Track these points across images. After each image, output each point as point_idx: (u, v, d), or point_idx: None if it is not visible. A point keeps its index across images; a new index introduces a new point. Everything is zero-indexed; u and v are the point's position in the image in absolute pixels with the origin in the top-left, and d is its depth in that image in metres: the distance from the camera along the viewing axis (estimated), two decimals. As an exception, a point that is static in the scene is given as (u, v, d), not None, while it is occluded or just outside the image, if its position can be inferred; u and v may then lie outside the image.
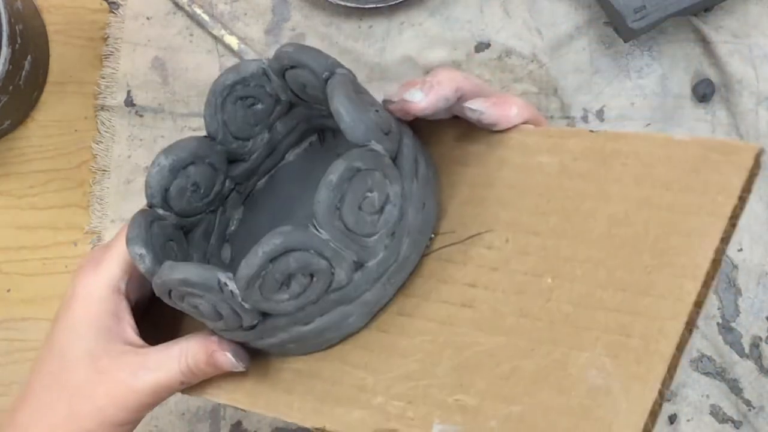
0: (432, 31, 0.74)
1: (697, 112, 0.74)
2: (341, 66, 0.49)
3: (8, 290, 0.74)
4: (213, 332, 0.51)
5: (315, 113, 0.54)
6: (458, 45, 0.74)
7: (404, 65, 0.74)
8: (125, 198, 0.74)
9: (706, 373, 0.73)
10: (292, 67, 0.50)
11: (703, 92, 0.73)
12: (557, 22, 0.74)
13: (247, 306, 0.46)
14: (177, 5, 0.75)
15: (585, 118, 0.74)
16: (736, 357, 0.72)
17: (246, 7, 0.75)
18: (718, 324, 0.73)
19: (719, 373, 0.73)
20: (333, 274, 0.46)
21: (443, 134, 0.54)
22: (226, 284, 0.46)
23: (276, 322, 0.48)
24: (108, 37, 0.75)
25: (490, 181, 0.51)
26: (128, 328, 0.52)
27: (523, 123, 0.49)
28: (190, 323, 0.53)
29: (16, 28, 0.67)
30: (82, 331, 0.52)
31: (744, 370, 0.73)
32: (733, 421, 0.73)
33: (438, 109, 0.48)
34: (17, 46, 0.67)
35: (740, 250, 0.73)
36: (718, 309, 0.73)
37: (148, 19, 0.75)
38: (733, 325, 0.73)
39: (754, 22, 0.73)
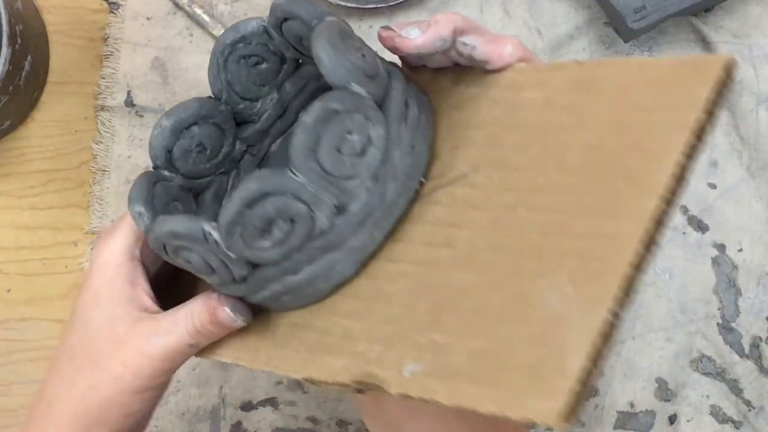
0: (432, 32, 0.74)
1: (697, 112, 0.74)
2: (331, 14, 0.48)
3: (8, 290, 0.74)
4: (215, 291, 0.50)
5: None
6: (458, 45, 0.74)
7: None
8: (125, 198, 0.73)
9: (706, 374, 0.73)
10: (286, 20, 0.49)
11: (703, 92, 0.73)
12: (557, 22, 0.74)
13: (232, 255, 0.45)
14: (177, 5, 0.75)
15: (585, 119, 0.74)
16: (736, 357, 0.72)
17: (246, 8, 0.75)
18: (718, 324, 0.73)
19: (719, 374, 0.73)
20: (314, 219, 0.45)
21: (442, 81, 0.53)
22: (210, 233, 0.45)
23: (265, 273, 0.47)
24: (108, 37, 0.75)
25: (482, 122, 0.50)
26: (143, 294, 0.52)
27: (520, 61, 0.49)
28: (205, 289, 0.52)
29: (16, 28, 0.67)
30: (100, 300, 0.52)
31: (744, 370, 0.73)
32: (733, 422, 0.73)
33: (435, 48, 0.47)
34: (17, 46, 0.67)
35: (740, 250, 0.73)
36: (718, 309, 0.73)
37: (148, 19, 0.75)
38: (733, 325, 0.73)
39: (754, 22, 0.73)
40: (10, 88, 0.68)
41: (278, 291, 0.48)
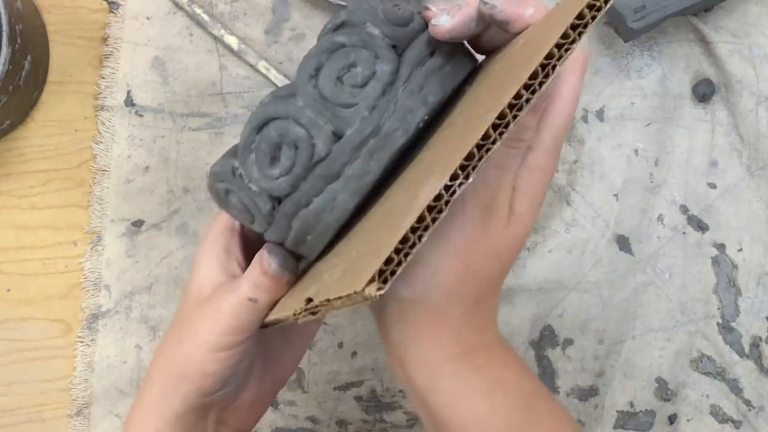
0: (432, 31, 0.74)
1: (697, 111, 0.74)
2: None
3: (8, 290, 0.74)
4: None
5: None
6: (458, 45, 0.74)
7: (404, 65, 0.74)
8: (125, 198, 0.74)
9: (706, 373, 0.73)
10: None
11: (703, 92, 0.73)
12: (557, 22, 0.74)
13: (253, 187, 0.48)
14: (177, 5, 0.75)
15: (585, 118, 0.74)
16: (736, 357, 0.72)
17: (246, 7, 0.75)
18: (718, 324, 0.73)
19: (719, 373, 0.73)
20: (313, 145, 0.47)
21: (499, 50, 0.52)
22: (237, 168, 0.48)
23: (285, 208, 0.49)
24: (108, 37, 0.75)
25: (483, 76, 0.51)
26: (234, 262, 0.55)
27: None
28: None
29: (16, 28, 0.67)
30: (198, 268, 0.55)
31: (744, 370, 0.73)
32: (733, 421, 0.73)
33: (468, 30, 0.48)
34: (17, 46, 0.67)
35: (740, 250, 0.73)
36: (718, 309, 0.73)
37: (148, 18, 0.75)
38: (733, 325, 0.73)
39: (754, 22, 0.73)
40: (10, 87, 0.68)
41: (300, 229, 0.50)
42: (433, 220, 0.37)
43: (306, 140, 0.47)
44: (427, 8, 0.50)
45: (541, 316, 0.75)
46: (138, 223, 0.74)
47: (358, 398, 0.75)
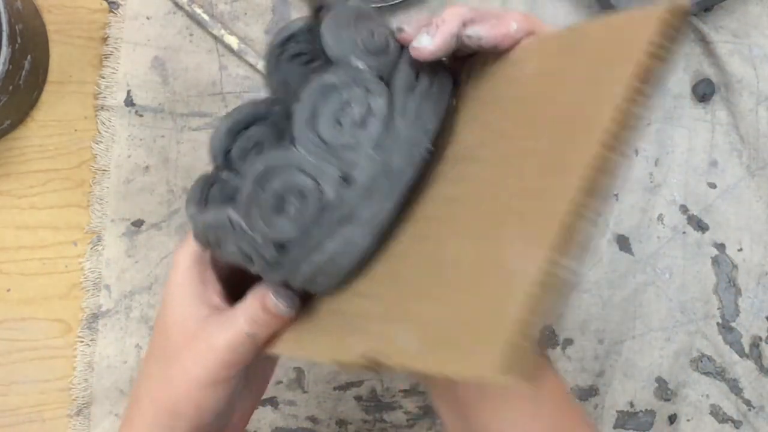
0: (432, 31, 0.74)
1: (696, 111, 0.74)
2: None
3: (8, 290, 0.74)
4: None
5: None
6: (458, 45, 0.74)
7: (404, 65, 0.74)
8: (125, 198, 0.74)
9: (706, 373, 0.73)
10: (321, 8, 0.50)
11: (703, 92, 0.73)
12: (557, 22, 0.74)
13: (258, 238, 0.47)
14: (177, 5, 0.75)
15: (585, 118, 0.74)
16: (736, 357, 0.72)
17: (246, 7, 0.75)
18: (718, 324, 0.73)
19: (719, 373, 0.73)
20: (321, 191, 0.46)
21: (475, 60, 0.53)
22: (234, 219, 0.47)
23: (293, 254, 0.48)
24: (108, 36, 0.75)
25: (492, 98, 0.50)
26: (213, 293, 0.54)
27: (529, 35, 0.48)
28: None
29: (16, 28, 0.67)
30: (174, 301, 0.54)
31: (744, 369, 0.73)
32: (733, 421, 0.73)
33: (450, 47, 0.48)
34: (17, 46, 0.67)
35: (740, 250, 0.73)
36: (718, 309, 0.73)
37: (147, 18, 0.75)
38: (733, 324, 0.73)
39: (754, 22, 0.73)
40: (10, 87, 0.68)
41: (309, 272, 0.49)
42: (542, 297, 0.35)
43: (313, 188, 0.46)
44: (401, 30, 0.49)
45: (541, 316, 0.75)
46: (138, 223, 0.74)
47: (358, 398, 0.75)
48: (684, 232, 0.74)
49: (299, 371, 0.75)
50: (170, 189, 0.74)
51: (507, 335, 0.35)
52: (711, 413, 0.73)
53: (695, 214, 0.74)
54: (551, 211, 0.38)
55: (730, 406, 0.73)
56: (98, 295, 0.73)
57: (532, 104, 0.46)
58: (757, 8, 0.73)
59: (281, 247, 0.48)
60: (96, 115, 0.75)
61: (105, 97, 0.74)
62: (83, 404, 0.73)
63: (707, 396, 0.73)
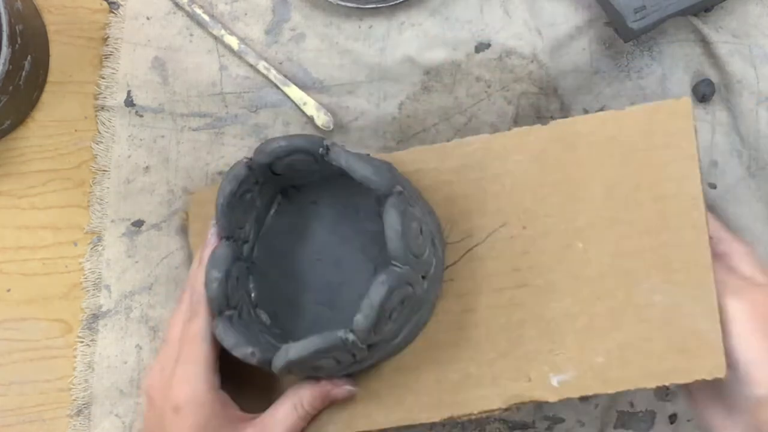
0: (432, 32, 0.74)
1: (697, 112, 0.74)
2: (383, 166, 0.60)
3: (8, 290, 0.74)
4: (315, 378, 0.62)
5: (284, 180, 0.65)
6: (458, 45, 0.74)
7: (404, 65, 0.74)
8: (125, 198, 0.73)
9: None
10: (287, 155, 0.61)
11: (703, 92, 0.73)
12: (557, 22, 0.74)
13: (362, 346, 0.57)
14: (177, 5, 0.75)
15: (585, 118, 0.74)
16: (736, 357, 0.72)
17: (246, 7, 0.75)
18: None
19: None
20: (414, 293, 0.58)
21: (424, 165, 0.67)
22: (347, 339, 0.56)
23: (379, 347, 0.59)
24: (108, 37, 0.75)
25: (476, 191, 0.64)
26: (217, 374, 0.61)
27: None
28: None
29: (16, 28, 0.67)
30: (187, 380, 0.60)
31: (744, 370, 0.73)
32: (733, 421, 0.73)
33: None
34: (17, 46, 0.67)
35: (740, 250, 0.73)
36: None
37: (148, 18, 0.75)
38: (733, 325, 0.73)
39: (754, 22, 0.73)
40: (10, 88, 0.68)
41: (381, 356, 0.61)
42: None
43: (411, 293, 0.58)
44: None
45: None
46: (138, 223, 0.74)
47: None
48: (684, 233, 0.74)
49: None
50: (170, 189, 0.74)
51: (719, 343, 0.57)
52: (711, 413, 0.73)
53: (695, 214, 0.74)
54: (693, 261, 0.60)
55: (730, 406, 0.73)
56: (98, 296, 0.73)
57: (568, 187, 0.63)
58: (757, 8, 0.73)
59: (371, 345, 0.58)
60: (96, 116, 0.75)
61: (105, 98, 0.74)
62: (83, 404, 0.73)
63: (707, 396, 0.73)
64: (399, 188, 0.59)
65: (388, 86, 0.74)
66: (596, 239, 0.63)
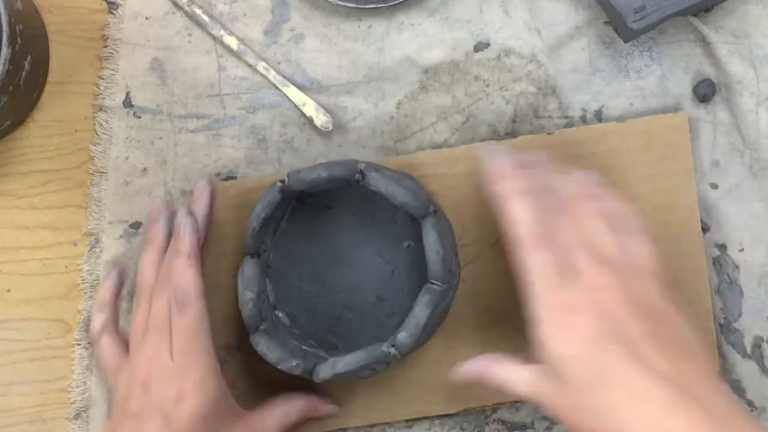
0: (431, 31, 0.74)
1: (698, 112, 0.73)
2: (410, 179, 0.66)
3: (8, 290, 0.74)
4: (305, 391, 0.68)
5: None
6: (457, 45, 0.74)
7: (403, 65, 0.74)
8: (123, 199, 0.74)
9: (708, 374, 0.73)
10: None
11: (704, 92, 0.73)
12: (557, 22, 0.74)
13: (400, 357, 0.61)
14: (176, 5, 0.75)
15: (584, 118, 0.73)
16: (737, 357, 0.72)
17: (245, 8, 0.75)
18: (719, 324, 0.72)
19: (721, 374, 0.73)
20: (447, 305, 0.64)
21: (432, 170, 0.71)
22: (389, 353, 0.61)
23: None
24: (107, 37, 0.75)
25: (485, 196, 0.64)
26: (230, 397, 0.65)
27: None
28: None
29: (16, 28, 0.67)
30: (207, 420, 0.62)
31: (746, 370, 0.72)
32: (735, 422, 0.73)
33: None
34: (17, 46, 0.67)
35: (741, 250, 0.73)
36: (720, 309, 0.73)
37: (147, 18, 0.75)
38: (735, 325, 0.72)
39: (754, 23, 0.73)
40: (10, 88, 0.68)
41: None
42: None
43: (446, 306, 0.64)
44: None
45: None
46: (136, 225, 0.74)
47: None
48: (685, 233, 0.74)
49: None
50: (168, 191, 0.74)
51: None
52: (711, 414, 0.73)
53: (696, 214, 0.74)
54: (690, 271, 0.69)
55: (731, 406, 0.73)
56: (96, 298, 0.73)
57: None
58: (757, 8, 0.73)
59: (404, 354, 0.62)
60: (94, 117, 0.75)
61: (104, 98, 0.74)
62: (81, 408, 0.73)
63: (708, 397, 0.73)
64: (433, 207, 0.62)
65: (386, 86, 0.74)
66: None
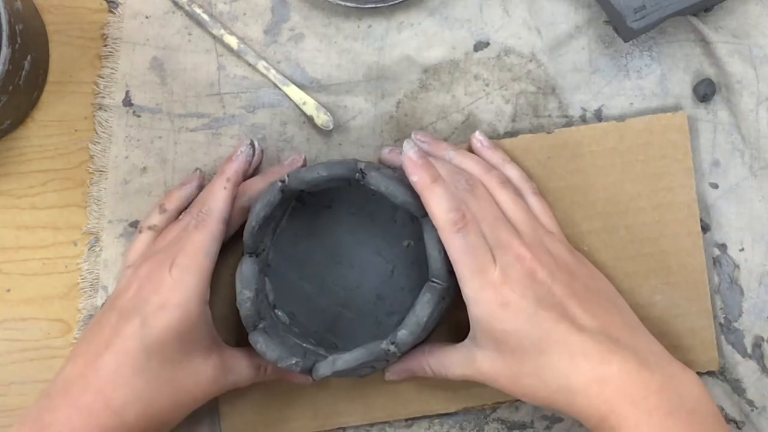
0: (431, 31, 0.74)
1: (698, 111, 0.73)
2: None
3: (8, 290, 0.74)
4: None
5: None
6: (457, 44, 0.74)
7: (403, 64, 0.74)
8: (122, 198, 0.74)
9: (708, 373, 0.73)
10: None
11: (704, 92, 0.73)
12: (557, 21, 0.74)
13: (399, 354, 0.62)
14: (176, 4, 0.75)
15: (583, 118, 0.73)
16: (738, 357, 0.72)
17: (245, 7, 0.75)
18: (720, 324, 0.72)
19: (721, 374, 0.73)
20: (447, 303, 0.64)
21: None
22: (389, 350, 0.61)
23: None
24: (107, 36, 0.75)
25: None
26: (211, 326, 0.65)
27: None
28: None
29: (16, 28, 0.67)
30: (181, 340, 0.63)
31: (746, 370, 0.72)
32: (735, 422, 0.73)
33: None
34: (17, 46, 0.67)
35: (742, 250, 0.73)
36: (720, 309, 0.73)
37: (146, 17, 0.75)
38: (735, 325, 0.72)
39: (754, 22, 0.73)
40: (10, 88, 0.68)
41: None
42: None
43: (445, 304, 0.64)
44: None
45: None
46: (135, 224, 0.74)
47: (358, 398, 0.76)
48: (685, 233, 0.74)
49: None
50: (167, 190, 0.74)
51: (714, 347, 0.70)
52: (712, 414, 0.73)
53: (696, 214, 0.74)
54: (689, 266, 0.71)
55: (732, 406, 0.73)
56: (95, 297, 0.73)
57: (574, 193, 0.70)
58: (757, 8, 0.73)
59: (403, 352, 0.63)
60: (94, 116, 0.75)
61: (104, 97, 0.74)
62: (81, 404, 0.73)
63: (708, 397, 0.73)
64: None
65: (386, 85, 0.74)
66: (600, 243, 0.70)
